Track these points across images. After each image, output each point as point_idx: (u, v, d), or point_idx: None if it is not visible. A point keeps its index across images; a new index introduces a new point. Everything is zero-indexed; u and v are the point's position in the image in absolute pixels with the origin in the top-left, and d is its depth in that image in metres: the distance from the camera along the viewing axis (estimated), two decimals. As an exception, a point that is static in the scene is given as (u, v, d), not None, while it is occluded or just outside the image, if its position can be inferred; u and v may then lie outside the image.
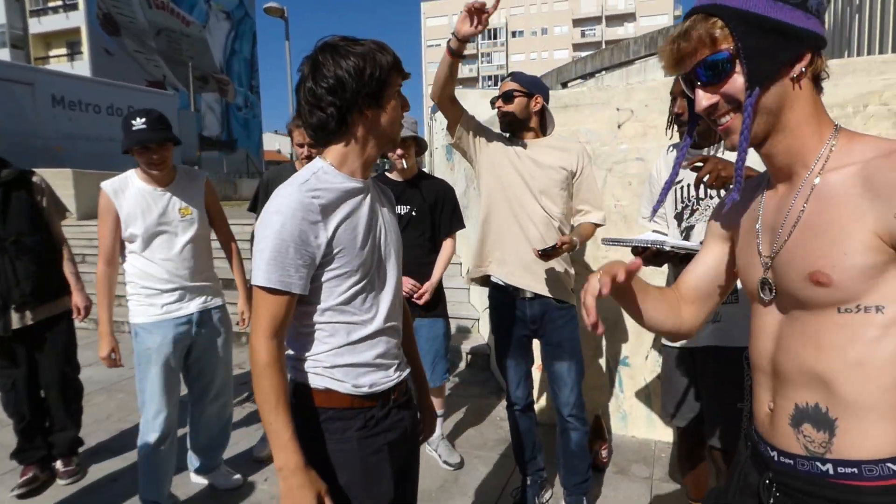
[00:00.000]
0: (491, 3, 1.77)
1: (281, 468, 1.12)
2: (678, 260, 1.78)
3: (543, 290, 2.28)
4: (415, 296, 2.77)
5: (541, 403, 3.27)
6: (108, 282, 2.29)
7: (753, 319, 0.99)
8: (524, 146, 2.29)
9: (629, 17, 57.60)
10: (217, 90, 33.62)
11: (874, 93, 2.52)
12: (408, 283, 2.75)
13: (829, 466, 0.84)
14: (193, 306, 2.41)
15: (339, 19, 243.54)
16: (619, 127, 2.95)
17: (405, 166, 2.76)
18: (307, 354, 1.23)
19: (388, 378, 1.28)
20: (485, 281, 2.45)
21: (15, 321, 2.55)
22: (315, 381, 1.22)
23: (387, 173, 2.91)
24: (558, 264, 2.29)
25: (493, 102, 2.31)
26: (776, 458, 0.92)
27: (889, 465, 0.80)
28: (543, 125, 2.35)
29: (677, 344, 1.98)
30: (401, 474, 1.34)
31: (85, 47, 27.48)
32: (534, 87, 2.25)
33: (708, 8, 0.85)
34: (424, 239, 2.81)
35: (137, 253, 2.29)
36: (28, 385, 2.72)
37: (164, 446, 2.36)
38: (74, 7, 27.55)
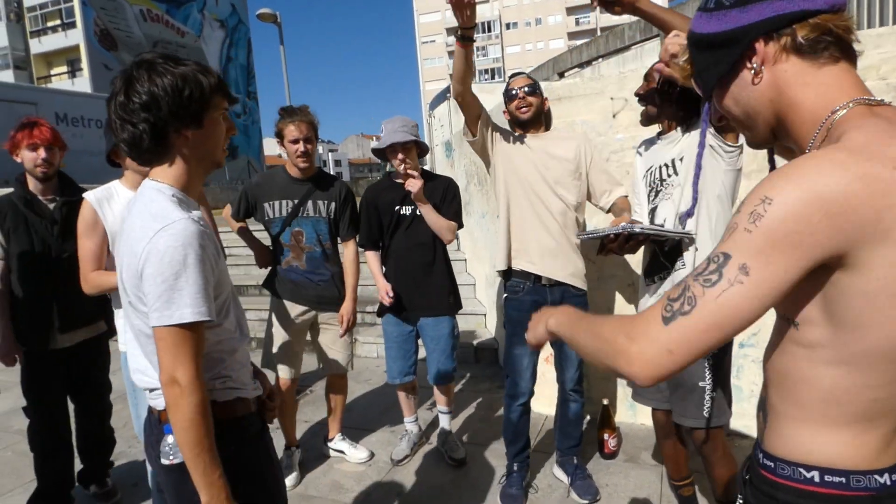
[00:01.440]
0: None
1: (213, 501, 1.13)
2: (660, 245, 1.87)
3: (563, 278, 2.40)
4: (389, 295, 2.77)
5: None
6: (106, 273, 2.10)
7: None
8: (534, 140, 2.42)
9: (624, 2, 57.08)
10: (216, 99, 33.72)
11: (871, 67, 2.51)
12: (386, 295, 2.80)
13: (760, 455, 0.85)
14: None
15: (331, 21, 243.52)
16: (614, 116, 2.95)
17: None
18: (214, 371, 1.25)
19: (256, 382, 1.40)
20: (505, 272, 2.53)
21: (57, 341, 2.48)
22: (224, 395, 1.26)
23: (392, 177, 2.90)
24: (577, 254, 2.44)
25: (510, 97, 2.40)
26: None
27: (801, 469, 0.78)
28: (548, 122, 2.53)
29: None
30: None
31: (84, 64, 27.63)
32: (540, 89, 2.44)
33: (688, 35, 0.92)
34: (429, 237, 2.80)
35: None
36: (61, 410, 2.60)
37: None
38: (73, 25, 27.70)
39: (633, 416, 3.17)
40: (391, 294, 2.80)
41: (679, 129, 1.95)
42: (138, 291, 1.16)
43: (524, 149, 2.39)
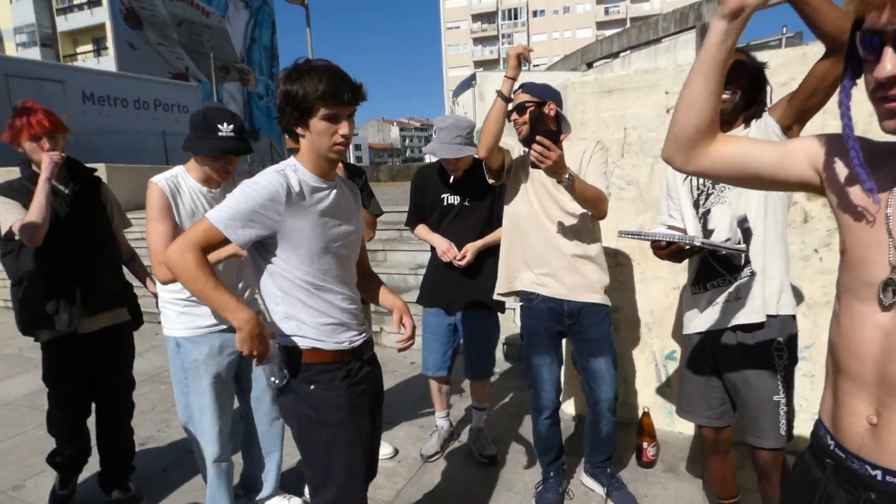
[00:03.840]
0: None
1: (242, 320, 1.38)
2: (712, 252, 1.79)
3: (575, 298, 2.28)
4: (456, 258, 2.66)
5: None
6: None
7: (851, 320, 0.89)
8: None
9: (654, -9, 55.87)
10: (238, 79, 33.80)
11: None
12: (450, 250, 2.67)
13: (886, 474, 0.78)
14: None
15: (355, 4, 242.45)
16: (668, 112, 2.81)
17: (457, 177, 2.71)
18: (292, 319, 1.52)
19: (359, 336, 1.61)
20: (514, 293, 2.43)
21: (81, 324, 2.36)
22: (302, 343, 1.52)
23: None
24: (591, 270, 2.29)
25: (508, 116, 2.29)
26: (880, 477, 0.85)
27: None
28: (559, 130, 2.33)
29: (696, 330, 1.96)
30: (372, 414, 1.70)
31: (110, 42, 27.86)
32: (545, 94, 2.27)
33: None
34: (478, 229, 2.72)
35: None
36: (84, 401, 2.51)
37: (226, 462, 2.26)
38: (98, 3, 27.92)
39: (672, 423, 3.07)
40: (456, 253, 2.67)
41: (742, 125, 1.83)
42: None
43: (534, 171, 2.26)
